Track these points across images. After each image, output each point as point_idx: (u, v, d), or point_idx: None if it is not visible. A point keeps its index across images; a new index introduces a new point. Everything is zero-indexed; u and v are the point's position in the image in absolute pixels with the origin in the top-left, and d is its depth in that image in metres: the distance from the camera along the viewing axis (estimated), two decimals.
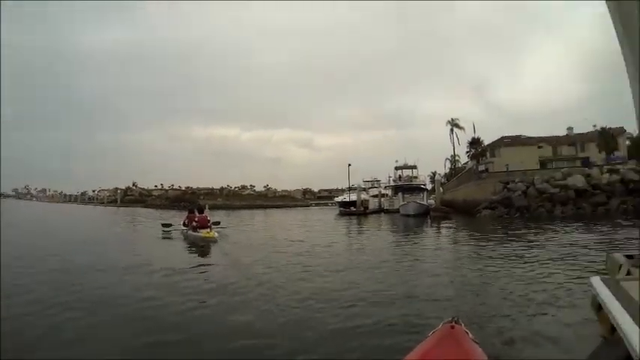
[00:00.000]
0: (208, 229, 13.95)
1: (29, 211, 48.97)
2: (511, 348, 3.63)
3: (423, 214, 28.47)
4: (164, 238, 15.26)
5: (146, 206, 68.69)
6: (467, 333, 2.07)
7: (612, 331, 2.20)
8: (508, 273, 7.17)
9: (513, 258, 8.89)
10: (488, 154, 44.91)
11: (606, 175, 23.98)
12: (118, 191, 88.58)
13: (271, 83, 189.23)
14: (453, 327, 2.08)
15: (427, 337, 2.11)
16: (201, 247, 12.16)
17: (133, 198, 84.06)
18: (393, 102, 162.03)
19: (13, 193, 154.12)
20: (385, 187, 47.92)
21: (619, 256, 3.45)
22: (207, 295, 6.12)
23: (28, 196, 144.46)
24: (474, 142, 45.66)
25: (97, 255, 10.46)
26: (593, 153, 40.97)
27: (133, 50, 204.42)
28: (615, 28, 3.24)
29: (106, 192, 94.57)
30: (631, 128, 38.05)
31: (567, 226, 15.59)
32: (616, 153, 38.80)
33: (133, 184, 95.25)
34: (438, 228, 19.51)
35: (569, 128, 47.23)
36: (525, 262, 8.15)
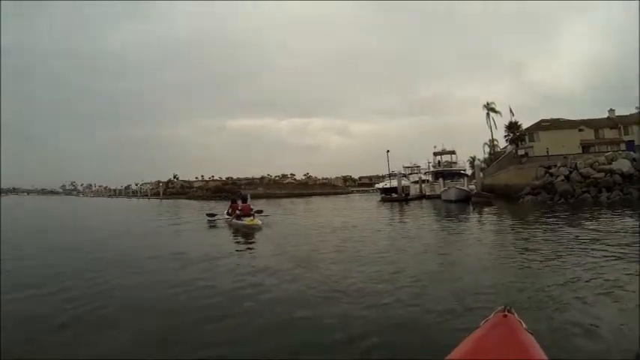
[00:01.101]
0: (252, 217, 14.40)
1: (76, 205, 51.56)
2: (564, 338, 3.55)
3: (465, 200, 28.25)
4: (210, 227, 15.81)
5: (188, 198, 70.65)
6: (520, 322, 2.01)
7: None
8: (557, 261, 6.97)
9: (562, 245, 8.61)
10: (527, 139, 44.35)
11: None
12: (160, 184, 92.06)
13: (304, 73, 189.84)
14: (505, 316, 2.03)
15: (480, 326, 2.06)
16: (246, 234, 12.58)
17: (174, 190, 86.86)
18: (427, 89, 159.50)
19: (61, 190, 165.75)
20: (425, 172, 47.38)
21: None
22: (255, 277, 6.58)
23: (75, 192, 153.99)
24: (512, 126, 44.99)
25: (152, 242, 11.73)
26: (638, 136, 39.97)
27: (163, 47, 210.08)
28: None
29: (148, 185, 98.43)
30: None
31: (615, 213, 14.94)
32: None
33: (174, 177, 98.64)
34: (481, 214, 19.21)
35: (611, 110, 45.87)
36: (575, 250, 7.92)
